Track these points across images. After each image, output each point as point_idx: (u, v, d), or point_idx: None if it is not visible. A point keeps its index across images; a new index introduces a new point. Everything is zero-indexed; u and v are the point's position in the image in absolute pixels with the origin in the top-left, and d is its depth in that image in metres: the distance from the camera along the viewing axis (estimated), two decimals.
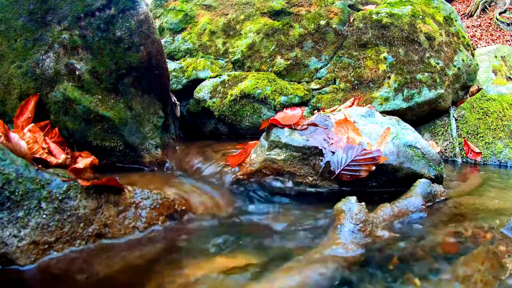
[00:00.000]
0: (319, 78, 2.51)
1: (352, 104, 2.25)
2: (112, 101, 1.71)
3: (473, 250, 1.02)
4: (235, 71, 2.56)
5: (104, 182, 1.22)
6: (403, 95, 2.42)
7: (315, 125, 1.65)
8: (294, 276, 0.94)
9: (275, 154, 1.61)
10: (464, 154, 2.56)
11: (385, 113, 2.32)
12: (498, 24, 11.14)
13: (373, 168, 1.53)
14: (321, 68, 2.53)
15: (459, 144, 2.59)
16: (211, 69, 2.55)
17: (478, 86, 3.07)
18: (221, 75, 2.53)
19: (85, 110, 1.65)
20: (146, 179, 1.62)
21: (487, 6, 11.84)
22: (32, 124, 1.55)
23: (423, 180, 1.51)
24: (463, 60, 2.70)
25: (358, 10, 2.68)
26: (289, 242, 1.20)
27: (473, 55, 2.90)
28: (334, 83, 2.49)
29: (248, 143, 1.92)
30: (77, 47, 1.65)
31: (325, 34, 2.56)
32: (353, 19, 2.59)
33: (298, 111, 1.72)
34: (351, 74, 2.48)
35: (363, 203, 1.25)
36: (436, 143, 2.63)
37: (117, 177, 1.27)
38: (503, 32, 10.87)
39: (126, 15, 1.68)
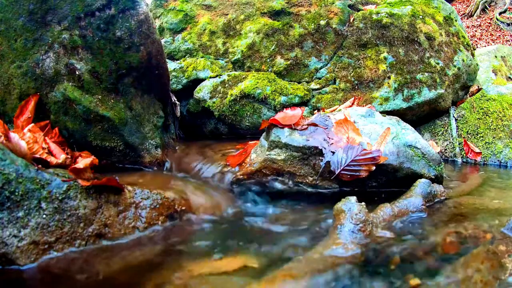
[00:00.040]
0: (319, 78, 2.51)
1: (352, 104, 2.25)
2: (112, 101, 1.71)
3: (473, 250, 1.02)
4: (235, 71, 2.56)
5: (104, 182, 1.22)
6: (403, 95, 2.42)
7: (315, 125, 1.65)
8: (294, 276, 0.94)
9: (275, 154, 1.61)
10: (464, 154, 2.56)
11: (385, 113, 2.32)
12: (498, 24, 11.14)
13: (373, 168, 1.53)
14: (321, 68, 2.53)
15: (459, 144, 2.60)
16: (211, 69, 2.55)
17: (478, 86, 3.07)
18: (221, 75, 2.53)
19: (85, 110, 1.65)
20: (146, 179, 1.63)
21: (487, 6, 11.85)
22: (32, 124, 1.55)
23: (423, 180, 1.51)
24: (463, 60, 2.70)
25: (358, 10, 2.68)
26: (289, 242, 1.20)
27: (473, 55, 2.90)
28: (334, 83, 2.49)
29: (248, 143, 1.92)
30: (77, 47, 1.65)
31: (325, 34, 2.56)
32: (353, 19, 2.59)
33: (298, 111, 1.72)
34: (351, 74, 2.48)
35: (363, 203, 1.25)
36: (436, 143, 2.63)
37: (117, 177, 1.27)
38: (503, 32, 10.87)
39: (126, 15, 1.68)
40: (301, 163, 1.60)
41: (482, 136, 2.58)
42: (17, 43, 1.65)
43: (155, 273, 1.01)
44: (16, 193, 1.07)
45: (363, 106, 2.29)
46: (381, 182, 1.59)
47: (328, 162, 1.55)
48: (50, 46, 1.64)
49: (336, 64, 2.52)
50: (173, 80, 2.55)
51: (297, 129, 1.64)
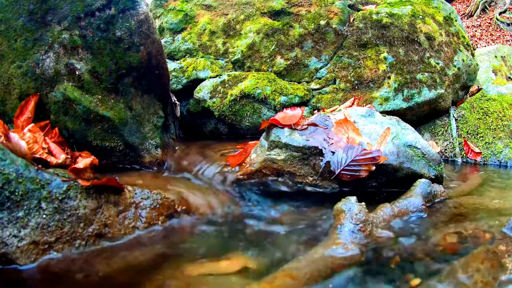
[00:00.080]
0: (319, 78, 2.51)
1: (352, 104, 2.25)
2: (112, 101, 1.71)
3: (473, 250, 1.02)
4: (235, 71, 2.56)
5: (104, 182, 1.22)
6: (403, 95, 2.42)
7: (315, 125, 1.65)
8: (294, 277, 0.94)
9: (275, 154, 1.61)
10: (464, 154, 2.56)
11: (385, 113, 2.32)
12: (498, 24, 11.14)
13: (373, 168, 1.53)
14: (321, 68, 2.53)
15: (459, 144, 2.60)
16: (211, 69, 2.55)
17: (478, 86, 3.07)
18: (221, 75, 2.53)
19: (85, 110, 1.65)
20: (146, 179, 1.63)
21: (487, 6, 11.85)
22: (32, 124, 1.55)
23: (423, 180, 1.51)
24: (463, 60, 2.70)
25: (358, 10, 2.68)
26: (289, 242, 1.20)
27: (473, 55, 2.90)
28: (334, 83, 2.49)
29: (248, 143, 1.92)
30: (77, 47, 1.65)
31: (325, 34, 2.56)
32: (353, 19, 2.59)
33: (298, 111, 1.72)
34: (351, 74, 2.48)
35: (363, 203, 1.25)
36: (436, 143, 2.63)
37: (117, 177, 1.27)
38: (503, 32, 10.87)
39: (126, 15, 1.68)
40: (301, 163, 1.60)
41: (482, 136, 2.58)
42: (17, 43, 1.65)
43: (155, 273, 1.01)
44: (16, 193, 1.07)
45: (363, 106, 2.29)
46: (381, 182, 1.59)
47: (328, 162, 1.55)
48: (50, 46, 1.64)
49: (336, 64, 2.52)
50: (173, 80, 2.55)
51: (297, 129, 1.64)
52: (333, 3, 2.64)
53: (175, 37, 2.74)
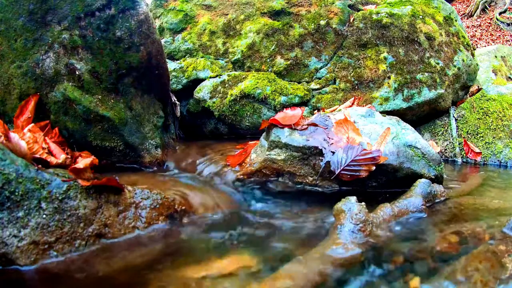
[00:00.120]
0: (319, 78, 2.51)
1: (352, 104, 2.25)
2: (112, 101, 1.71)
3: (473, 250, 1.02)
4: (235, 71, 2.56)
5: (104, 182, 1.22)
6: (403, 95, 2.42)
7: (315, 125, 1.65)
8: (294, 277, 0.94)
9: (275, 154, 1.61)
10: (464, 154, 2.56)
11: (385, 113, 2.32)
12: (498, 24, 11.14)
13: (373, 168, 1.53)
14: (321, 68, 2.53)
15: (459, 144, 2.60)
16: (211, 69, 2.55)
17: (478, 86, 3.07)
18: (221, 75, 2.53)
19: (85, 110, 1.65)
20: (146, 179, 1.63)
21: (487, 6, 11.85)
22: (32, 124, 1.55)
23: (423, 180, 1.51)
24: (463, 60, 2.70)
25: (358, 10, 2.68)
26: (289, 242, 1.20)
27: (473, 55, 2.90)
28: (334, 83, 2.49)
29: (248, 143, 1.92)
30: (77, 47, 1.65)
31: (325, 34, 2.56)
32: (353, 19, 2.59)
33: (298, 111, 1.72)
34: (351, 74, 2.48)
35: (363, 203, 1.25)
36: (436, 143, 2.63)
37: (117, 177, 1.27)
38: (503, 32, 10.87)
39: (126, 15, 1.68)
40: (301, 163, 1.60)
41: (482, 136, 2.58)
42: (17, 43, 1.65)
43: (155, 273, 1.01)
44: (16, 193, 1.07)
45: (363, 106, 2.29)
46: (381, 182, 1.59)
47: (328, 162, 1.55)
48: (50, 46, 1.64)
49: (336, 64, 2.52)
50: (173, 80, 2.55)
51: (297, 129, 1.64)
52: (333, 3, 2.64)
53: (175, 37, 2.74)
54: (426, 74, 2.48)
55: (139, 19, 1.71)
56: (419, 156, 1.60)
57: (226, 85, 2.46)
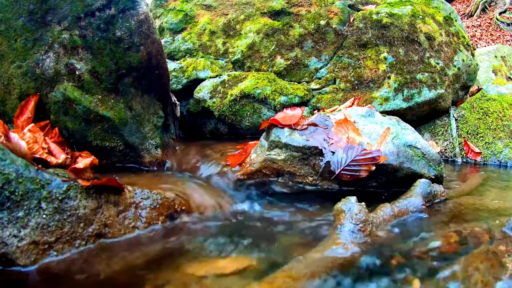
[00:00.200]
0: (319, 78, 2.51)
1: (352, 104, 2.25)
2: (112, 101, 1.71)
3: (473, 250, 1.02)
4: (235, 71, 2.56)
5: (104, 182, 1.22)
6: (403, 95, 2.42)
7: (315, 125, 1.65)
8: (294, 277, 0.94)
9: (275, 154, 1.61)
10: (464, 154, 2.56)
11: (385, 113, 2.32)
12: (498, 24, 11.14)
13: (373, 168, 1.53)
14: (321, 68, 2.53)
15: (459, 144, 2.59)
16: (211, 69, 2.55)
17: (478, 86, 3.07)
18: (221, 75, 2.53)
19: (85, 110, 1.65)
20: (146, 179, 1.63)
21: (487, 6, 11.85)
22: (32, 124, 1.55)
23: (423, 180, 1.51)
24: (463, 60, 2.70)
25: (358, 10, 2.68)
26: (289, 242, 1.20)
27: (473, 55, 2.90)
28: (334, 83, 2.49)
29: (248, 143, 1.92)
30: (77, 47, 1.65)
31: (325, 34, 2.56)
32: (353, 19, 2.59)
33: (298, 111, 1.72)
34: (351, 74, 2.48)
35: (363, 203, 1.25)
36: (436, 143, 2.63)
37: (117, 177, 1.27)
38: (503, 32, 10.87)
39: (126, 15, 1.68)
40: (301, 163, 1.60)
41: (482, 136, 2.58)
42: (17, 43, 1.65)
43: (155, 273, 1.01)
44: (16, 193, 1.07)
45: (363, 106, 2.29)
46: (381, 182, 1.59)
47: (328, 162, 1.55)
48: (50, 46, 1.64)
49: (336, 64, 2.52)
50: (173, 80, 2.55)
51: (297, 129, 1.64)
52: (333, 3, 2.64)
53: (175, 37, 2.74)
54: (426, 74, 2.48)
55: (139, 19, 1.71)
56: (419, 156, 1.61)
57: (226, 85, 2.46)
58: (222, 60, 2.62)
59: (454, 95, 2.72)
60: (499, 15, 11.31)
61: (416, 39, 2.52)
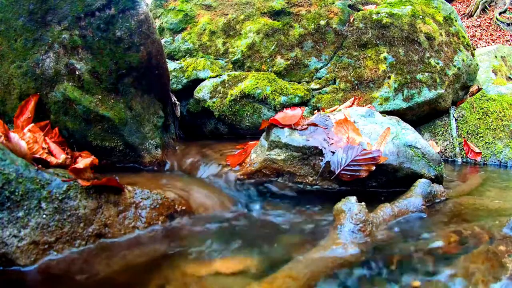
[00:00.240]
0: (319, 78, 2.51)
1: (352, 104, 2.25)
2: (112, 101, 1.71)
3: (473, 250, 1.02)
4: (235, 71, 2.56)
5: (104, 182, 1.22)
6: (403, 95, 2.42)
7: (315, 125, 1.65)
8: (295, 277, 0.94)
9: (275, 154, 1.61)
10: (464, 154, 2.56)
11: (385, 113, 2.32)
12: (498, 24, 11.14)
13: (373, 168, 1.53)
14: (321, 68, 2.53)
15: (459, 144, 2.60)
16: (211, 69, 2.55)
17: (478, 86, 3.07)
18: (221, 75, 2.53)
19: (85, 110, 1.65)
20: (146, 179, 1.63)
21: (487, 6, 11.85)
22: (32, 124, 1.55)
23: (423, 180, 1.51)
24: (463, 60, 2.70)
25: (358, 10, 2.68)
26: (289, 242, 1.20)
27: (473, 55, 2.90)
28: (334, 83, 2.49)
29: (248, 143, 1.92)
30: (77, 47, 1.65)
31: (325, 34, 2.56)
32: (353, 19, 2.59)
33: (298, 111, 1.72)
34: (351, 74, 2.48)
35: (363, 203, 1.25)
36: (436, 143, 2.63)
37: (117, 177, 1.27)
38: (503, 32, 10.87)
39: (126, 15, 1.68)
40: (301, 163, 1.60)
41: (482, 136, 2.58)
42: (17, 43, 1.65)
43: (155, 273, 1.01)
44: (16, 193, 1.07)
45: (363, 106, 2.29)
46: (381, 182, 1.59)
47: (328, 162, 1.55)
48: (50, 46, 1.64)
49: (336, 64, 2.52)
50: (173, 80, 2.55)
51: (297, 129, 1.64)
52: (333, 3, 2.64)
53: (175, 37, 2.74)
54: (426, 74, 2.48)
55: (139, 19, 1.71)
56: (419, 156, 1.61)
57: (226, 85, 2.46)
58: (222, 60, 2.62)
59: (454, 95, 2.72)
60: (499, 15, 11.31)
61: (416, 39, 2.52)
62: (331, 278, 0.95)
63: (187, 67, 2.58)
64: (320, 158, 1.57)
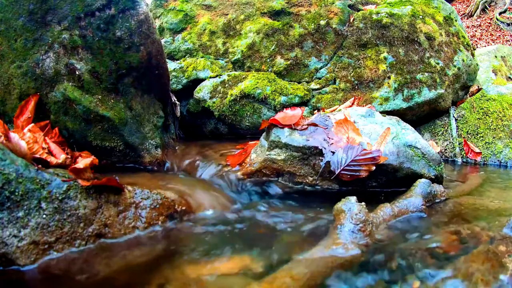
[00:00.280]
0: (319, 78, 2.51)
1: (352, 104, 2.25)
2: (112, 101, 1.71)
3: (473, 250, 1.02)
4: (235, 71, 2.56)
5: (104, 182, 1.22)
6: (403, 95, 2.42)
7: (315, 125, 1.65)
8: (294, 277, 0.94)
9: (275, 154, 1.61)
10: (464, 154, 2.56)
11: (385, 113, 2.32)
12: (498, 24, 11.14)
13: (373, 168, 1.53)
14: (321, 68, 2.53)
15: (459, 144, 2.59)
16: (211, 69, 2.55)
17: (478, 86, 3.07)
18: (221, 75, 2.53)
19: (85, 110, 1.65)
20: (146, 179, 1.62)
21: (487, 6, 11.85)
22: (32, 124, 1.55)
23: (423, 180, 1.51)
24: (463, 60, 2.70)
25: (358, 10, 2.68)
26: (289, 242, 1.20)
27: (473, 55, 2.90)
28: (334, 83, 2.49)
29: (248, 143, 1.92)
30: (77, 47, 1.65)
31: (325, 34, 2.56)
32: (353, 19, 2.59)
33: (298, 111, 1.72)
34: (351, 74, 2.48)
35: (363, 203, 1.25)
36: (436, 143, 2.63)
37: (117, 177, 1.27)
38: (503, 32, 10.87)
39: (126, 15, 1.68)
40: (301, 163, 1.60)
41: (482, 136, 2.58)
42: (17, 43, 1.65)
43: (155, 273, 1.01)
44: (16, 193, 1.07)
45: (363, 106, 2.29)
46: (381, 182, 1.59)
47: (328, 162, 1.55)
48: (50, 46, 1.64)
49: (336, 64, 2.52)
50: (173, 80, 2.55)
51: (297, 129, 1.64)
52: (333, 3, 2.64)
53: (175, 37, 2.74)
54: (426, 74, 2.48)
55: (139, 19, 1.71)
56: (419, 156, 1.61)
57: (226, 85, 2.46)
58: (222, 60, 2.62)
59: (454, 95, 2.72)
60: (499, 15, 11.31)
61: (416, 39, 2.52)
62: (331, 278, 0.95)
63: (187, 67, 2.58)
64: (320, 158, 1.57)
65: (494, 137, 2.54)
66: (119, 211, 1.24)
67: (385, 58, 2.47)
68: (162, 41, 2.71)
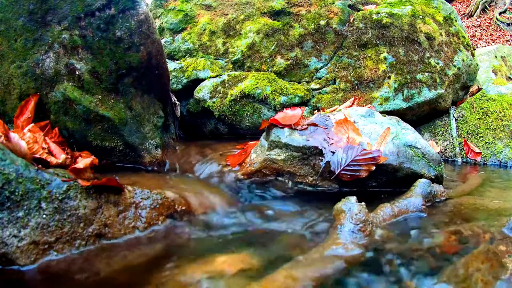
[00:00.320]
0: (319, 78, 2.51)
1: (352, 104, 2.25)
2: (112, 101, 1.71)
3: (473, 250, 1.02)
4: (235, 71, 2.56)
5: (104, 182, 1.22)
6: (403, 95, 2.42)
7: (315, 125, 1.65)
8: (294, 277, 0.94)
9: (275, 154, 1.61)
10: (464, 154, 2.56)
11: (385, 113, 2.32)
12: (498, 24, 11.14)
13: (373, 168, 1.53)
14: (321, 68, 2.53)
15: (459, 144, 2.60)
16: (211, 69, 2.55)
17: (478, 86, 3.07)
18: (221, 75, 2.53)
19: (85, 110, 1.65)
20: (146, 179, 1.63)
21: (487, 6, 11.85)
22: (32, 124, 1.55)
23: (423, 180, 1.51)
24: (463, 60, 2.70)
25: (358, 10, 2.68)
26: (289, 242, 1.20)
27: (473, 55, 2.90)
28: (334, 83, 2.49)
29: (248, 143, 1.92)
30: (77, 47, 1.65)
31: (325, 34, 2.56)
32: (353, 19, 2.59)
33: (298, 111, 1.72)
34: (351, 74, 2.48)
35: (363, 203, 1.25)
36: (436, 143, 2.63)
37: (117, 177, 1.27)
38: (503, 32, 10.87)
39: (126, 15, 1.68)
40: (301, 163, 1.60)
41: (482, 136, 2.58)
42: (17, 43, 1.65)
43: (155, 273, 1.01)
44: (16, 193, 1.07)
45: (363, 106, 2.29)
46: (381, 182, 1.59)
47: (328, 162, 1.55)
48: (50, 46, 1.64)
49: (336, 64, 2.52)
50: (173, 80, 2.55)
51: (297, 129, 1.64)
52: (333, 3, 2.64)
53: (175, 37, 2.74)
54: (426, 74, 2.48)
55: (139, 19, 1.71)
56: (419, 156, 1.61)
57: (226, 85, 2.46)
58: (222, 60, 2.62)
59: (454, 95, 2.72)
60: (499, 15, 11.31)
61: (416, 39, 2.52)
62: (331, 278, 0.95)
63: (187, 67, 2.58)
64: (320, 158, 1.57)
65: (494, 137, 2.54)
66: (119, 211, 1.24)
67: (385, 58, 2.47)
68: (162, 41, 2.71)
